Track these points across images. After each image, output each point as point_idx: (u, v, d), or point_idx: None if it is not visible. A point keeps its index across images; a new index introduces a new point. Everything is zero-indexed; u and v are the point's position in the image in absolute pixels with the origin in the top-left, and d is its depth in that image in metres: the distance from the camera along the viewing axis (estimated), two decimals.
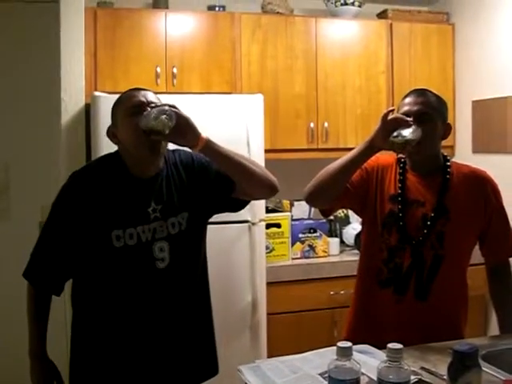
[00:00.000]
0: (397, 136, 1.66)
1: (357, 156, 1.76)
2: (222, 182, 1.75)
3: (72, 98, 2.76)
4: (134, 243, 1.65)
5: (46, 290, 1.74)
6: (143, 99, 1.66)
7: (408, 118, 1.71)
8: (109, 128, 1.73)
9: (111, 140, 1.72)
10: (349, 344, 1.16)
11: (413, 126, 1.69)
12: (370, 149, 1.73)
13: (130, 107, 1.66)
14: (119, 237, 1.64)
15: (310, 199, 1.85)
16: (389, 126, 1.67)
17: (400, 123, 1.68)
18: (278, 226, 3.18)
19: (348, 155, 1.77)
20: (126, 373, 1.68)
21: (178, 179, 1.75)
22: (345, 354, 1.16)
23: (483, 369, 1.46)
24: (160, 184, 1.72)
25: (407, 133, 1.67)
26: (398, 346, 1.16)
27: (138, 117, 1.60)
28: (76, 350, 1.75)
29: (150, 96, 1.69)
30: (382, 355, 1.42)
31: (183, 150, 1.78)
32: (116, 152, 1.75)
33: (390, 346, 1.16)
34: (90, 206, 1.66)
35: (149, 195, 1.69)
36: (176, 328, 1.73)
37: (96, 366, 1.70)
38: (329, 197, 1.81)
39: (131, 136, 1.64)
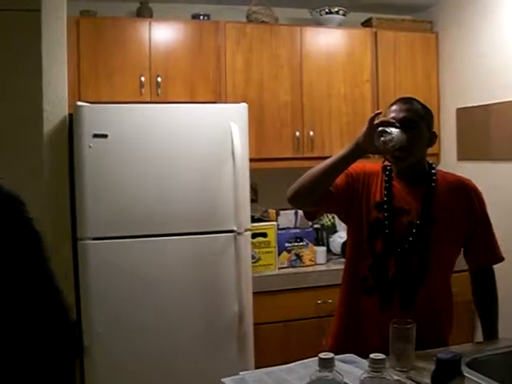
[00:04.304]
0: (382, 132, 1.66)
1: (341, 158, 1.75)
2: None
3: (54, 108, 2.72)
4: None
5: None
6: None
7: (393, 122, 1.72)
8: None
9: None
10: (331, 355, 1.15)
11: (399, 129, 1.69)
12: (355, 151, 1.72)
13: None
14: None
15: (293, 200, 1.84)
16: (375, 128, 1.67)
17: (386, 126, 1.68)
18: (264, 235, 3.17)
19: (332, 157, 1.77)
20: None
21: None
22: (327, 365, 1.14)
23: (468, 376, 1.46)
24: None
25: (393, 129, 1.67)
26: (381, 356, 1.14)
27: None
28: None
29: None
30: (366, 365, 1.41)
31: None
32: None
33: (372, 356, 1.15)
34: None
35: None
36: None
37: None
38: (311, 198, 1.81)
39: None
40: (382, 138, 1.65)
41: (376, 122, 1.67)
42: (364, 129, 1.68)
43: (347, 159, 1.75)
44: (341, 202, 1.85)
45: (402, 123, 1.72)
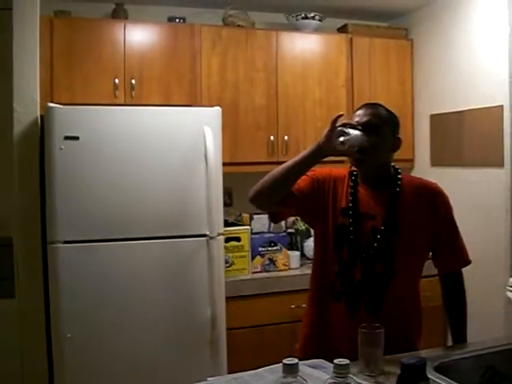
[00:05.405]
0: (341, 132, 1.67)
1: (302, 159, 1.75)
2: None
3: (25, 109, 2.68)
4: None
5: None
6: None
7: (355, 124, 1.74)
8: None
9: None
10: (295, 361, 1.14)
11: (360, 132, 1.71)
12: (316, 152, 1.73)
13: None
14: None
15: (254, 199, 1.84)
16: (339, 132, 1.68)
17: (347, 127, 1.70)
18: (238, 239, 3.16)
19: (294, 158, 1.77)
20: None
21: None
22: (291, 370, 1.13)
23: (436, 380, 1.47)
24: None
25: (352, 130, 1.69)
26: (345, 361, 1.14)
27: None
28: None
29: None
30: None
31: None
32: None
33: (336, 361, 1.14)
34: None
35: None
36: None
37: None
38: (272, 199, 1.81)
39: None
40: (341, 139, 1.67)
41: (338, 123, 1.68)
42: (326, 130, 1.69)
43: (308, 160, 1.75)
44: (305, 206, 1.85)
45: (364, 127, 1.74)
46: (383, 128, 1.78)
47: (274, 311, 3.11)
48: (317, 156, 1.74)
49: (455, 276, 1.92)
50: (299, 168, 1.77)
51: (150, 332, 2.67)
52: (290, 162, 1.77)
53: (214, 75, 3.31)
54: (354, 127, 1.72)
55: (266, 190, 1.79)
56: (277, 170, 1.79)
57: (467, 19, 3.30)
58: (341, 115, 1.71)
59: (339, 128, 1.68)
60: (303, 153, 1.76)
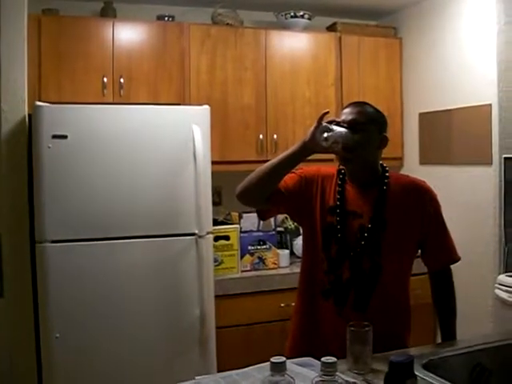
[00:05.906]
0: (325, 128, 1.68)
1: (288, 157, 1.76)
2: None
3: (13, 108, 2.66)
4: None
5: None
6: None
7: (341, 121, 1.75)
8: None
9: None
10: (282, 359, 1.14)
11: (345, 129, 1.71)
12: (302, 150, 1.74)
13: None
14: None
15: (241, 196, 1.85)
16: (323, 128, 1.68)
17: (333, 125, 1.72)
18: (227, 238, 3.16)
19: (280, 156, 1.79)
20: None
21: None
22: (279, 369, 1.13)
23: (424, 377, 1.47)
24: None
25: (336, 127, 1.70)
26: (332, 359, 1.14)
27: None
28: None
29: None
30: None
31: None
32: None
33: (323, 359, 1.15)
34: None
35: None
36: None
37: None
38: (258, 196, 1.81)
39: None
40: (325, 135, 1.68)
41: (325, 121, 1.69)
42: (312, 128, 1.70)
43: (294, 157, 1.76)
44: (292, 204, 1.86)
45: (350, 125, 1.75)
46: (369, 126, 1.78)
47: (263, 310, 3.11)
48: (302, 153, 1.75)
49: (444, 273, 1.92)
50: (285, 165, 1.78)
51: (139, 331, 2.66)
52: (275, 160, 1.78)
53: (202, 74, 3.30)
54: (339, 124, 1.72)
55: (253, 187, 1.80)
56: (263, 167, 1.80)
57: (456, 18, 3.32)
58: (326, 112, 1.72)
59: (324, 124, 1.68)
60: (289, 150, 1.77)
